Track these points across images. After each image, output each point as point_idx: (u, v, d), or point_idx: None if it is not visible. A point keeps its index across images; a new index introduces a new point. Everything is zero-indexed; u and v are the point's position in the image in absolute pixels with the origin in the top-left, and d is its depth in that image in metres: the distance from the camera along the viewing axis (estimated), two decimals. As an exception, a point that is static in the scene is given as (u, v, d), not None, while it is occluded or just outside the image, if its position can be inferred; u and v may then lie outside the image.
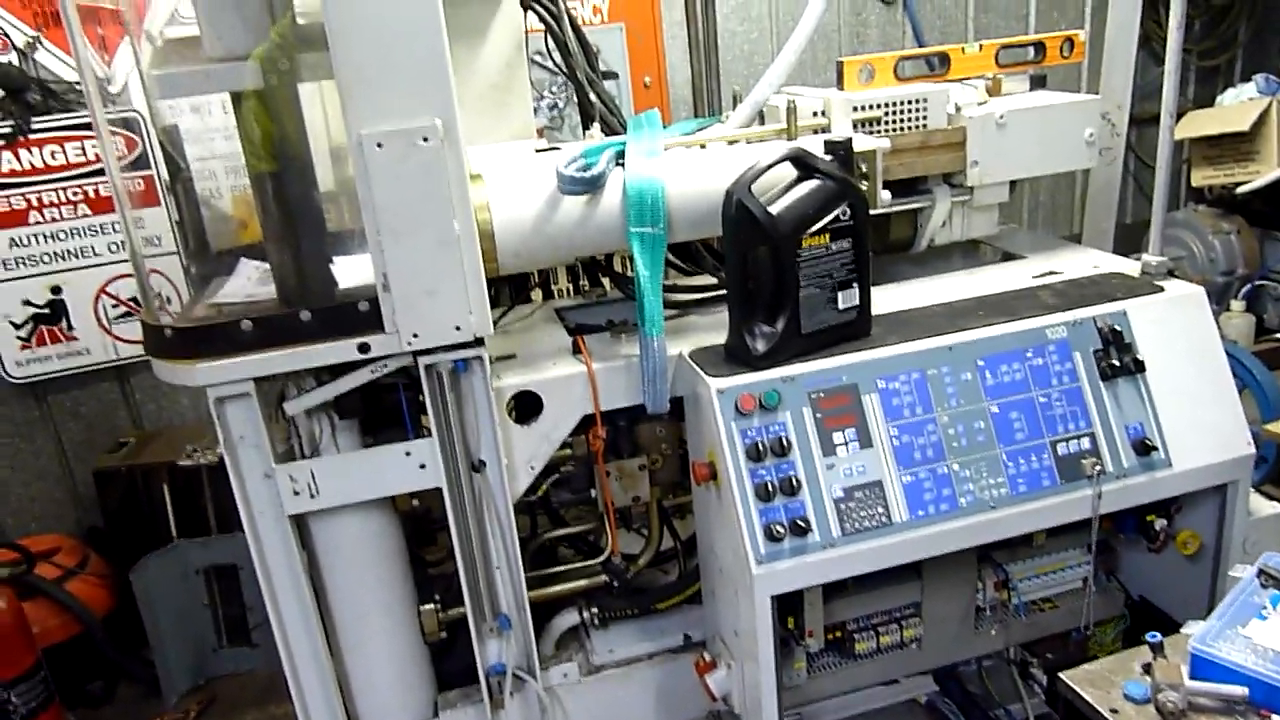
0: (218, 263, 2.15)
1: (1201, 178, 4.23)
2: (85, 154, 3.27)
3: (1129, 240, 4.34)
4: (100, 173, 3.31)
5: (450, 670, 2.28)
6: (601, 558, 2.31)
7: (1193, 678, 1.35)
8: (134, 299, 3.46)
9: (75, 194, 3.31)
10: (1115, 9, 3.94)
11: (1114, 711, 1.44)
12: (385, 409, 2.02)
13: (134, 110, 2.78)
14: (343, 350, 1.80)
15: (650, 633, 2.36)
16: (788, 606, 2.01)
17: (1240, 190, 3.99)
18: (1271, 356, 3.95)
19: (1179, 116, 4.22)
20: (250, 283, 2.06)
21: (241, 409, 1.83)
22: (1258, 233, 4.24)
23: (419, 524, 2.34)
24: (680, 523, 2.43)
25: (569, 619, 2.34)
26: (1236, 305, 4.09)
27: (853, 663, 2.18)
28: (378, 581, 2.06)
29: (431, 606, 2.15)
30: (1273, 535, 2.20)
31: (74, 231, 3.34)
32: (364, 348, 1.80)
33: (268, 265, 2.01)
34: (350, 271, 1.90)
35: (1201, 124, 4.15)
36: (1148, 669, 1.42)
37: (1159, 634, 1.42)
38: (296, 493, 1.88)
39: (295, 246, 1.84)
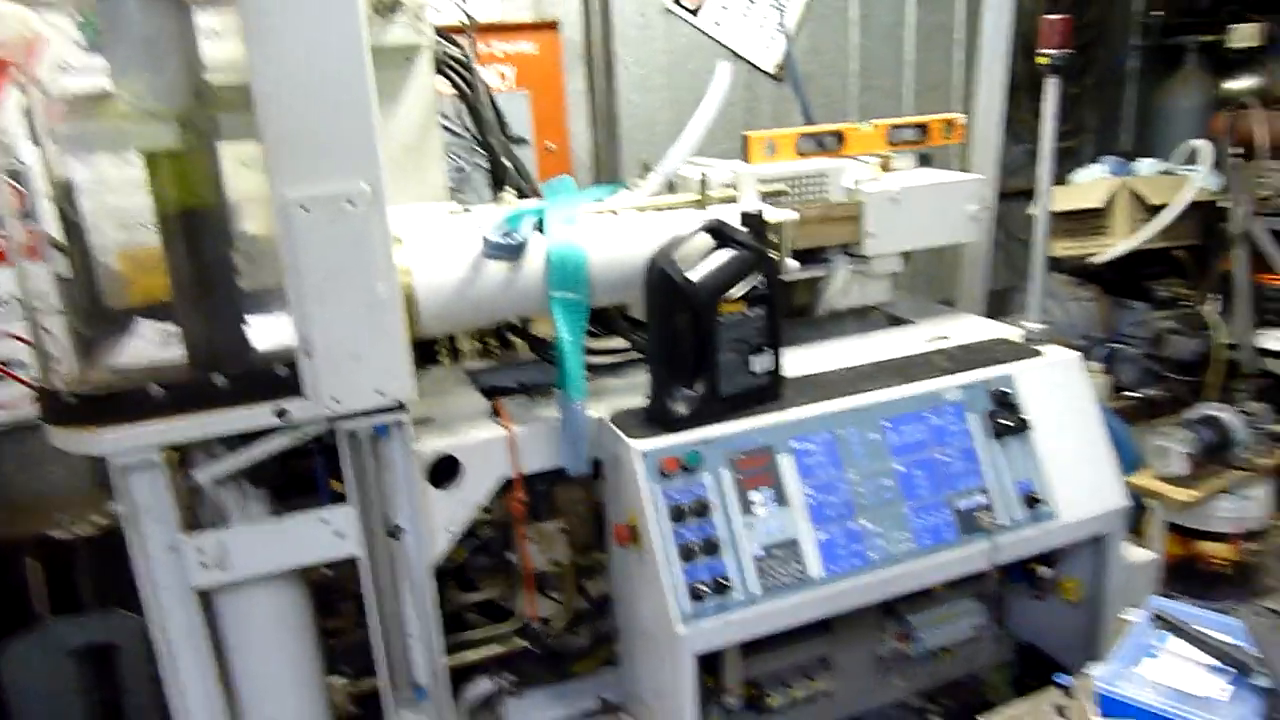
0: (109, 323, 2.06)
1: (1060, 249, 4.56)
2: (-47, 206, 3.08)
3: (995, 306, 4.67)
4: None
5: (358, 746, 2.19)
6: (513, 622, 2.28)
7: (1104, 716, 1.44)
8: (2, 361, 3.24)
9: (-59, 248, 3.11)
10: (983, 95, 4.28)
11: (1033, 753, 1.52)
12: (294, 475, 1.96)
13: (21, 162, 2.64)
14: (260, 416, 1.75)
15: (566, 697, 2.34)
16: (705, 665, 2.03)
17: (1095, 261, 4.34)
18: (1127, 414, 4.28)
19: (1032, 193, 4.59)
20: (152, 345, 1.98)
21: (146, 478, 1.75)
22: (1110, 300, 4.61)
23: (319, 593, 2.26)
24: (588, 584, 2.43)
25: (483, 687, 2.29)
26: (1094, 366, 4.40)
27: (766, 718, 2.22)
28: (288, 656, 1.97)
29: (341, 680, 2.08)
30: (1144, 580, 2.37)
31: (-62, 287, 3.13)
32: (282, 413, 1.76)
33: (170, 327, 1.94)
34: (266, 333, 1.85)
35: (1059, 200, 4.50)
36: (1060, 711, 1.52)
37: (1069, 676, 1.51)
38: (205, 565, 1.80)
39: (211, 308, 1.79)
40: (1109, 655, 1.49)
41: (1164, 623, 1.48)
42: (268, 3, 1.57)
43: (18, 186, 2.73)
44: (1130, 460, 3.69)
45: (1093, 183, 4.41)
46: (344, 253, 1.70)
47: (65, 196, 2.11)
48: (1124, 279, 4.54)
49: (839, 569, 1.96)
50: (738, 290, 1.93)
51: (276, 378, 1.76)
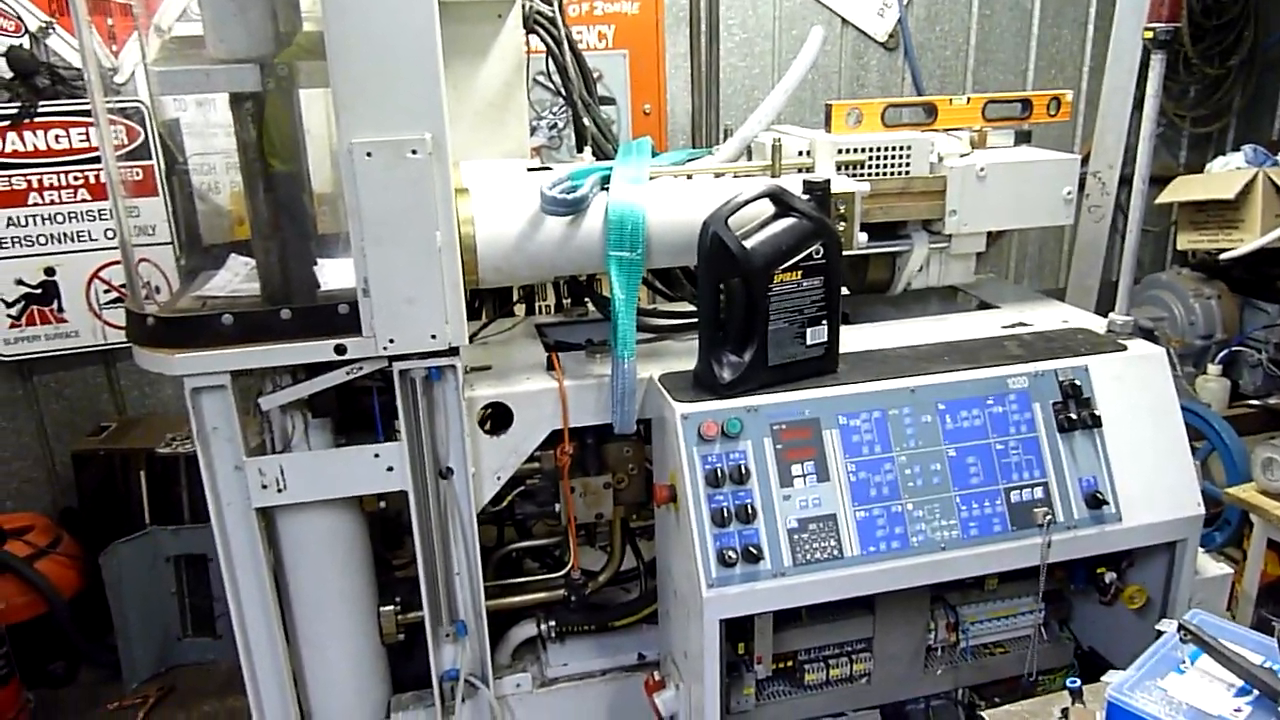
0: (210, 256, 2.20)
1: (1187, 241, 4.29)
2: (88, 140, 3.33)
3: (1114, 298, 4.41)
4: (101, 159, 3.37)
5: (407, 673, 2.30)
6: (562, 572, 2.34)
7: (1107, 724, 1.39)
8: (124, 285, 3.50)
9: (76, 178, 3.37)
10: (1111, 72, 4.03)
11: (1034, 753, 1.47)
12: (361, 410, 2.06)
13: (139, 101, 2.84)
14: (319, 350, 1.84)
15: (606, 649, 2.39)
16: (740, 632, 2.04)
17: (1223, 257, 4.06)
18: (1245, 421, 4.01)
19: (1168, 180, 4.31)
20: (237, 278, 2.10)
21: (216, 400, 1.87)
22: (1238, 299, 4.30)
23: (388, 526, 2.38)
24: (646, 543, 2.47)
25: (527, 630, 2.37)
26: (1213, 369, 4.14)
27: (802, 693, 2.21)
28: (339, 579, 2.09)
29: (391, 608, 2.18)
30: (1219, 595, 2.24)
31: (71, 215, 3.40)
32: (340, 349, 1.85)
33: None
34: (333, 274, 1.95)
35: (1189, 189, 4.22)
36: (1065, 714, 1.46)
37: (1079, 680, 1.46)
38: (265, 486, 1.92)
39: (281, 246, 1.89)
40: (1133, 665, 1.42)
41: (1191, 636, 1.40)
42: (341, -47, 1.63)
43: (132, 125, 2.94)
44: (1238, 471, 3.48)
45: (1228, 172, 4.12)
46: (403, 199, 1.76)
47: (170, 136, 2.25)
48: (1255, 278, 4.23)
49: (876, 549, 1.92)
50: (793, 260, 1.90)
51: (338, 316, 1.85)
